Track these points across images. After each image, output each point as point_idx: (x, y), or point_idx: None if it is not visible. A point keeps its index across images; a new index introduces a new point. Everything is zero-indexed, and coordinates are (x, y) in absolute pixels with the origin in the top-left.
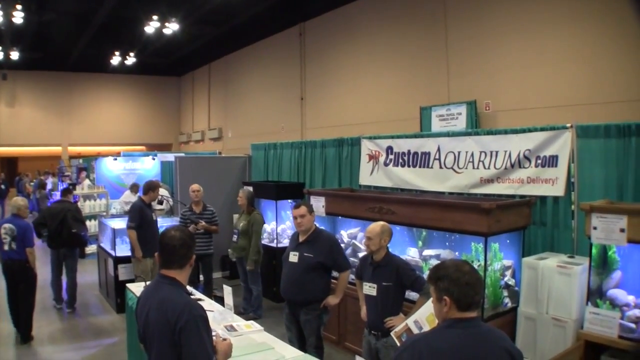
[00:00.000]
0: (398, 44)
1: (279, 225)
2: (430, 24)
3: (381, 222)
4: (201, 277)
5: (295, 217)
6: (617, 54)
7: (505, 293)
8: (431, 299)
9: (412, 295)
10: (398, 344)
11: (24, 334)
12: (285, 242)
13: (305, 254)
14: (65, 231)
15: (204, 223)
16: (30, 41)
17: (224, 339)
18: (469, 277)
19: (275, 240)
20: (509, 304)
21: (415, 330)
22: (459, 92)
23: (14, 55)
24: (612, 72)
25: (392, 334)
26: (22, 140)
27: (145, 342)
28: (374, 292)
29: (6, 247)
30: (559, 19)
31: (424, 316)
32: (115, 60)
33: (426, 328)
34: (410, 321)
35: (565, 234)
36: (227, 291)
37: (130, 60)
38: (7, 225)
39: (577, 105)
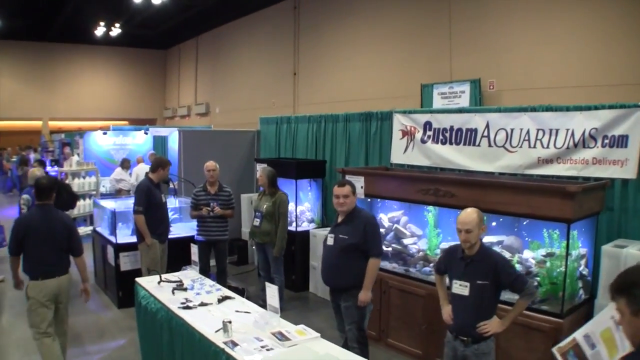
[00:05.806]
0: (399, 19)
1: (298, 207)
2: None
3: (472, 208)
4: (212, 263)
5: (337, 196)
6: (628, 35)
7: (580, 284)
8: (604, 311)
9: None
10: None
11: None
12: (305, 226)
13: (341, 236)
14: None
15: (219, 209)
16: (10, 8)
17: None
18: None
19: (294, 224)
20: (583, 296)
21: (586, 348)
22: (462, 71)
23: None
24: (624, 52)
25: (554, 350)
26: (1, 113)
27: (29, 243)
28: (465, 292)
29: None
30: None
31: (598, 331)
32: (100, 30)
33: (601, 347)
34: (579, 335)
35: (635, 220)
36: (272, 292)
37: (116, 31)
38: (24, 196)
39: (586, 87)
